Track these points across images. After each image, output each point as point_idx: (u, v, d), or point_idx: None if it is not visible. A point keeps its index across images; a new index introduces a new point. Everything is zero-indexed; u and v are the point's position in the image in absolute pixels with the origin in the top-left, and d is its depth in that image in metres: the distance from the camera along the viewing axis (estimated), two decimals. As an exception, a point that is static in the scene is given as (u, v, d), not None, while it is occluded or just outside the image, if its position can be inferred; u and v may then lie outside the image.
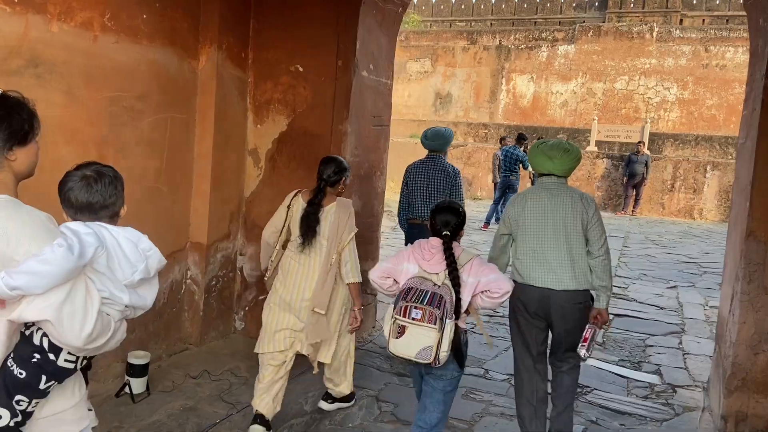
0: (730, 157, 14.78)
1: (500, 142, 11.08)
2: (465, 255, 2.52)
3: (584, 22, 22.33)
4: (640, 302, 6.23)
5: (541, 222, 2.90)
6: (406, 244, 3.37)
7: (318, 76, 4.07)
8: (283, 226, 3.04)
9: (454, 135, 4.72)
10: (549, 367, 3.08)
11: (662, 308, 6.05)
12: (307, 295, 2.94)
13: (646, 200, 13.45)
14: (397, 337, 2.37)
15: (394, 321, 2.39)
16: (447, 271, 2.42)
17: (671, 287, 6.96)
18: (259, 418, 2.95)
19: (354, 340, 3.26)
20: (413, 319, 2.34)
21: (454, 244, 2.51)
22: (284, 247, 3.07)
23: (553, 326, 2.94)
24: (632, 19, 21.67)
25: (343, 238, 2.96)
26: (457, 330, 2.42)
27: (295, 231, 2.99)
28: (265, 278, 3.15)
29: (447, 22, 25.71)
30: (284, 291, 2.98)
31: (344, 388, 3.28)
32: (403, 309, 2.36)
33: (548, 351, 3.06)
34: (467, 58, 22.27)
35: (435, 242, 2.51)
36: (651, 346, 4.90)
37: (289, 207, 3.04)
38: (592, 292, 2.92)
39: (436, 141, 4.47)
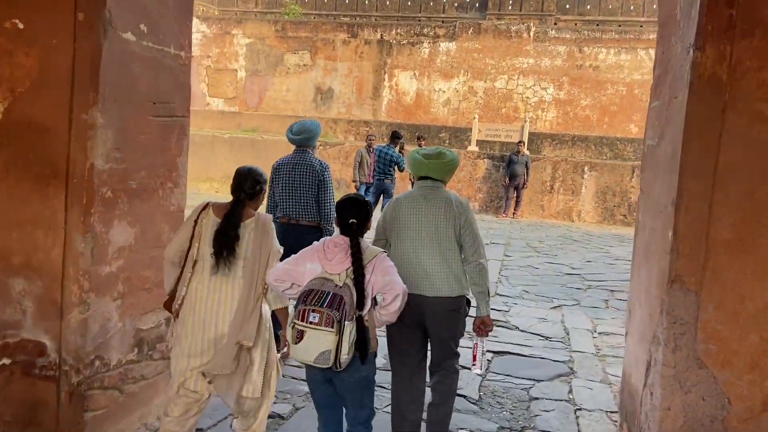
0: (605, 157, 14.80)
1: (367, 142, 9.99)
2: (370, 252, 2.45)
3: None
4: (522, 330, 5.31)
5: (415, 226, 2.85)
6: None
7: (48, 37, 2.61)
8: (190, 245, 2.65)
9: (322, 128, 4.47)
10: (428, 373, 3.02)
11: (547, 338, 5.15)
12: (221, 328, 2.58)
13: (527, 202, 12.99)
14: (296, 342, 2.31)
15: (293, 326, 2.32)
16: (350, 270, 2.36)
17: (555, 307, 6.14)
18: None
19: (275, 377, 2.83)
20: (310, 323, 2.28)
21: (360, 239, 2.44)
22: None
23: (429, 333, 2.91)
24: (510, 20, 21.61)
25: (270, 261, 2.63)
26: (362, 327, 2.34)
27: (206, 250, 2.61)
28: (174, 306, 2.68)
29: (329, 15, 24.43)
30: (192, 327, 2.59)
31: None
32: (301, 313, 2.31)
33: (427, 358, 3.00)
34: (348, 51, 21.16)
35: (339, 240, 2.45)
36: (537, 398, 3.90)
37: (196, 222, 2.66)
38: (472, 299, 2.89)
39: (302, 135, 4.22)
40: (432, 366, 2.98)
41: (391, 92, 20.68)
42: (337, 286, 2.32)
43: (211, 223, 2.63)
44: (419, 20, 23.03)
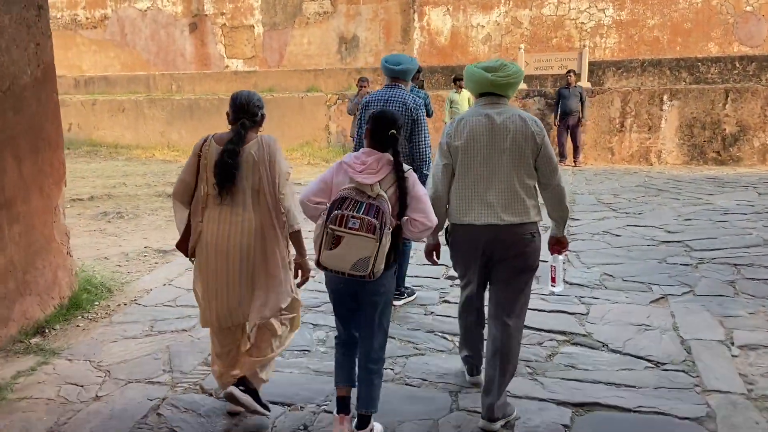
0: (685, 82, 12.16)
1: (358, 84, 8.01)
2: (403, 166, 2.38)
3: (502, -63, 19.03)
4: (614, 350, 3.32)
5: (488, 148, 2.57)
6: None
7: None
8: (197, 179, 2.59)
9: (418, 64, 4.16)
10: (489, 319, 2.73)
11: (658, 364, 3.13)
12: (234, 264, 2.53)
13: (591, 145, 10.62)
14: (331, 249, 2.25)
15: (326, 232, 2.24)
16: (384, 181, 2.33)
17: (658, 299, 4.06)
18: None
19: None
20: (350, 228, 2.21)
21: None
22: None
23: (499, 270, 2.64)
24: (557, -69, 18.56)
25: (277, 180, 2.52)
26: (396, 238, 2.33)
27: (213, 181, 2.52)
28: (191, 243, 2.63)
29: (346, -49, 21.89)
30: (207, 263, 2.57)
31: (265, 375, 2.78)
32: (339, 218, 2.23)
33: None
34: (372, -9, 18.81)
35: (368, 152, 2.39)
36: None
37: (200, 155, 2.57)
38: (547, 222, 2.77)
39: (401, 66, 3.89)
40: (495, 314, 2.67)
41: (422, 33, 18.25)
42: (370, 197, 2.27)
43: (213, 152, 2.54)
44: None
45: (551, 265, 2.83)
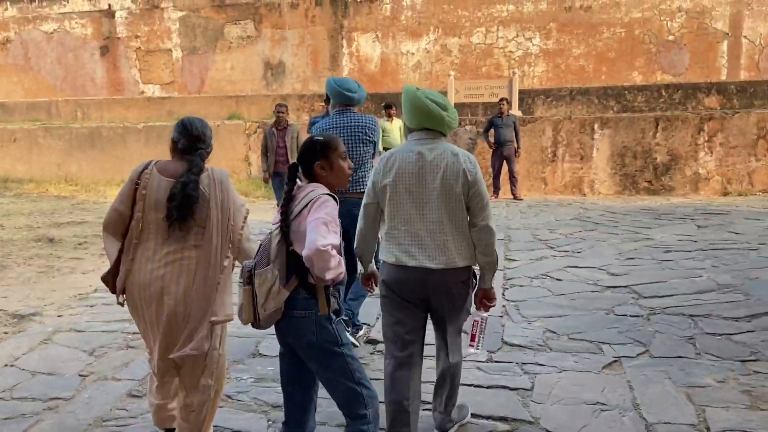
0: (613, 111, 12.06)
1: (276, 111, 7.31)
2: (313, 194, 2.09)
3: (430, -35, 18.89)
4: None
5: (418, 186, 2.42)
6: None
7: None
8: (133, 210, 2.36)
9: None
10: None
11: None
12: (181, 304, 2.29)
13: (524, 176, 10.21)
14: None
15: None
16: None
17: (610, 364, 3.40)
18: None
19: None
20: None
21: (307, 184, 2.15)
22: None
23: (433, 311, 2.53)
24: (483, -40, 18.59)
25: (237, 220, 2.36)
26: (297, 266, 2.04)
27: (153, 216, 2.33)
28: (118, 282, 2.39)
29: (270, -25, 21.21)
30: (145, 303, 2.34)
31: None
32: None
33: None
34: (297, 16, 18.13)
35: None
36: None
37: (137, 184, 2.35)
38: (475, 269, 2.54)
39: (359, 92, 3.83)
40: (437, 345, 2.63)
41: (351, 60, 17.71)
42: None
43: (155, 182, 2.33)
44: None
45: (473, 321, 2.54)
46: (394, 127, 9.98)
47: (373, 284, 2.73)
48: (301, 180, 2.19)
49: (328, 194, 2.10)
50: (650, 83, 13.15)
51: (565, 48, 15.89)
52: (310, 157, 2.16)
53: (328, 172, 2.18)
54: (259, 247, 2.12)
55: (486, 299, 2.53)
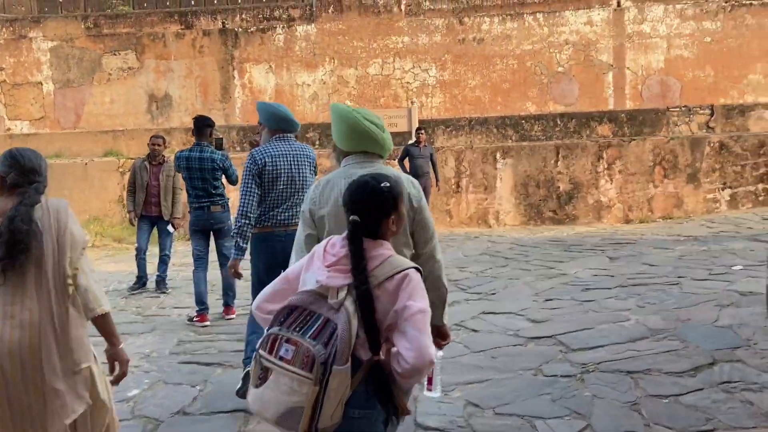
0: (512, 140, 11.97)
1: (151, 143, 6.32)
2: (392, 263, 1.65)
3: (323, -5, 18.44)
4: None
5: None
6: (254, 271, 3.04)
7: None
8: None
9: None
10: None
11: None
12: (26, 355, 1.94)
13: (431, 208, 9.66)
14: (256, 385, 1.60)
15: (257, 358, 1.61)
16: (352, 285, 1.58)
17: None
18: None
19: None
20: (281, 358, 1.55)
21: (371, 242, 1.67)
22: None
23: None
24: (376, -9, 18.43)
25: (72, 253, 2.06)
26: (381, 376, 1.60)
27: None
28: None
29: (153, 2, 19.89)
30: None
31: None
32: (270, 340, 1.59)
33: None
34: (184, 46, 16.97)
35: (343, 240, 1.71)
36: None
37: None
38: None
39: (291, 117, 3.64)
40: None
41: (244, 91, 16.76)
42: (331, 308, 1.57)
43: None
44: (268, 1, 19.20)
45: None
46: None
47: None
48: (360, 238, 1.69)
49: (416, 268, 1.70)
50: (545, 113, 13.27)
51: (461, 79, 15.88)
52: (383, 211, 1.72)
53: (396, 227, 1.78)
54: (315, 320, 1.58)
55: (439, 338, 2.24)
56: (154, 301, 6.00)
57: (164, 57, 17.03)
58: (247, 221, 3.48)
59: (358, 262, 1.61)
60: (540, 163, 9.55)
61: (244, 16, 17.49)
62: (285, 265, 3.76)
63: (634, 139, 9.62)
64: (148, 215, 6.25)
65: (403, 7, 16.31)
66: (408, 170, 9.27)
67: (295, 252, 2.32)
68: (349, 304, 1.58)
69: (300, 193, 3.53)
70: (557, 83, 14.77)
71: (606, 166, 9.39)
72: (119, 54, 16.94)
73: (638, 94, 14.61)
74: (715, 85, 14.35)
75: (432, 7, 16.39)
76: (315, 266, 1.71)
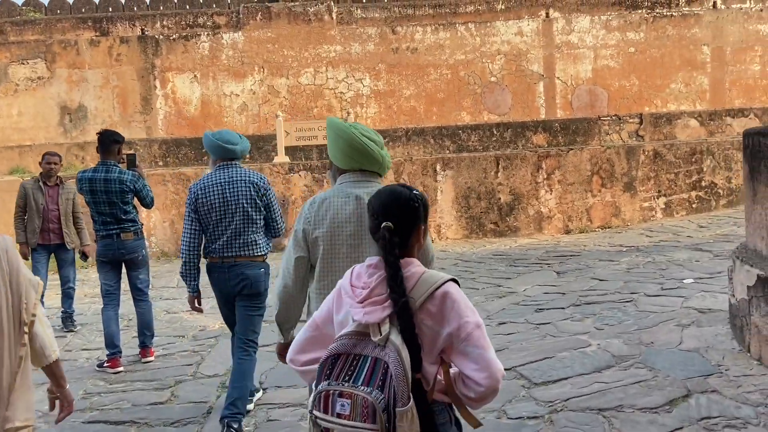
0: (449, 150, 11.75)
1: (44, 162, 5.61)
2: (427, 280, 1.52)
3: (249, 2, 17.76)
4: None
5: (356, 236, 2.13)
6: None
7: None
8: None
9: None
10: None
11: None
12: None
13: (368, 225, 9.23)
14: None
15: (313, 419, 1.45)
16: (393, 313, 1.44)
17: None
18: None
19: None
20: (338, 415, 1.40)
21: (401, 260, 1.52)
22: None
23: None
24: (306, 1, 17.93)
25: (28, 296, 1.92)
26: (424, 406, 1.43)
27: None
28: None
29: (65, 7, 18.54)
30: None
31: None
32: (323, 399, 1.42)
33: None
34: (100, 55, 15.85)
35: (372, 264, 1.56)
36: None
37: None
38: None
39: (240, 144, 3.59)
40: None
41: (167, 102, 15.81)
42: (377, 346, 1.41)
43: None
44: (191, 7, 18.31)
45: None
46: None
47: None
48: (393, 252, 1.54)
49: (452, 279, 1.59)
50: (482, 122, 13.17)
51: (395, 89, 15.62)
52: (415, 219, 1.61)
53: (423, 238, 1.69)
54: (363, 364, 1.41)
55: None
56: (59, 341, 5.24)
57: (77, 66, 15.88)
58: (187, 259, 3.48)
59: (395, 272, 1.47)
60: (480, 175, 9.34)
61: (165, 22, 16.58)
62: (229, 300, 3.60)
63: (572, 149, 9.57)
64: (45, 244, 5.47)
65: (334, 15, 15.90)
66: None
67: (282, 277, 2.19)
68: (395, 337, 1.44)
69: (241, 224, 3.42)
70: (491, 93, 14.75)
71: (545, 176, 9.28)
72: (27, 63, 15.67)
73: (568, 103, 14.80)
74: (639, 94, 14.73)
75: (364, 15, 16.08)
76: (345, 304, 1.56)
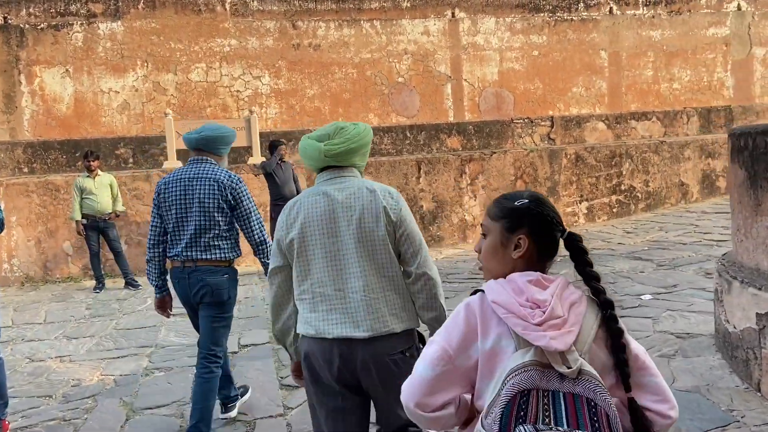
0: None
1: None
2: (573, 297, 1.32)
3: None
4: None
5: (329, 236, 2.01)
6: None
7: None
8: None
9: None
10: None
11: None
12: None
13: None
14: None
15: None
16: (579, 337, 1.26)
17: None
18: None
19: None
20: None
21: (555, 278, 1.34)
22: None
23: (370, 393, 2.02)
24: (196, -12, 16.42)
25: None
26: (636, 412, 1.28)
27: None
28: None
29: None
30: None
31: None
32: None
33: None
34: (-52, 43, 13.53)
35: (537, 280, 1.32)
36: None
37: None
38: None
39: (205, 134, 3.29)
40: None
41: (34, 100, 13.75)
42: (566, 378, 1.18)
43: None
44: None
45: None
46: (102, 185, 7.22)
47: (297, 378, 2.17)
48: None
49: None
50: (393, 125, 12.52)
51: (298, 88, 14.61)
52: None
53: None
54: (560, 400, 1.17)
55: None
56: None
57: None
58: (149, 257, 3.29)
59: (597, 279, 1.33)
60: (401, 180, 8.62)
61: (32, 10, 14.44)
62: (193, 306, 3.33)
63: (495, 152, 9.11)
64: None
65: (227, 6, 14.60)
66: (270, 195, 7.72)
67: (268, 294, 2.20)
68: (585, 365, 1.21)
69: (201, 224, 3.15)
70: (398, 94, 14.17)
71: (469, 182, 8.75)
72: None
73: (476, 106, 14.54)
74: (544, 98, 14.77)
75: (261, 8, 14.90)
76: (497, 327, 1.27)
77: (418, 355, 1.86)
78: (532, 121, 12.11)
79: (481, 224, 1.45)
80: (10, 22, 14.09)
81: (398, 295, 1.98)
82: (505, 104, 14.63)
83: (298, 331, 2.05)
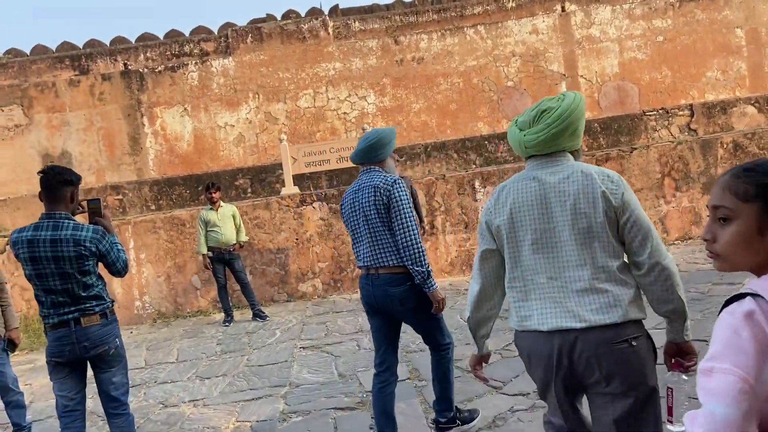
0: (476, 165, 10.34)
1: None
2: None
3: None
4: None
5: (538, 222, 1.91)
6: None
7: None
8: None
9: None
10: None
11: None
12: None
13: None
14: None
15: None
16: None
17: None
18: None
19: None
20: None
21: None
22: None
23: (591, 393, 1.86)
24: (297, 16, 16.68)
25: None
26: None
27: None
28: None
29: (41, 48, 17.28)
30: None
31: None
32: None
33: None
34: (81, 95, 14.60)
35: None
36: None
37: None
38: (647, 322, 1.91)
39: (369, 144, 3.16)
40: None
41: (157, 140, 14.47)
42: None
43: None
44: (175, 35, 17.00)
45: (667, 389, 1.81)
46: (225, 216, 7.14)
47: (478, 369, 2.15)
48: None
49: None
50: (494, 132, 11.79)
51: (403, 104, 14.26)
52: None
53: None
54: None
55: (681, 355, 1.85)
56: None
57: (57, 109, 14.59)
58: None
59: None
60: (529, 189, 7.91)
61: (149, 54, 15.30)
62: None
63: (635, 148, 8.13)
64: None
65: (330, 30, 14.63)
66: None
67: (473, 279, 2.05)
68: None
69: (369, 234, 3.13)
70: (508, 98, 13.41)
71: (607, 184, 7.86)
72: (2, 111, 14.40)
73: (595, 102, 13.43)
74: (674, 86, 13.34)
75: (363, 27, 14.79)
76: None
77: (650, 347, 1.73)
78: (667, 112, 10.88)
79: (716, 206, 1.18)
80: (130, 67, 14.95)
81: (619, 283, 1.81)
82: (628, 98, 13.40)
83: (510, 326, 1.96)
